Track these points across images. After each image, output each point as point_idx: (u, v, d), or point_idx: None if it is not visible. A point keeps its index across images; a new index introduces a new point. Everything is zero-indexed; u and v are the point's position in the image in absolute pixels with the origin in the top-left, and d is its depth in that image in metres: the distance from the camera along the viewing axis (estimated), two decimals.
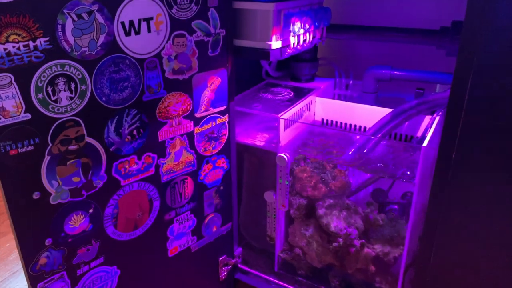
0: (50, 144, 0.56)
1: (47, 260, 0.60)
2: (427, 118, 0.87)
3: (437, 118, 0.82)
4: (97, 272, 0.67)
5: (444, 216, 0.64)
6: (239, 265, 0.96)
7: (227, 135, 0.81)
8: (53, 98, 0.54)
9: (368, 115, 0.91)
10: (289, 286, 0.92)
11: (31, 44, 0.51)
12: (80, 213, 0.62)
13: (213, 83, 0.73)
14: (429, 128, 0.80)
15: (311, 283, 0.93)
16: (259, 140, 0.91)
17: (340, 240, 0.85)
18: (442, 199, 0.63)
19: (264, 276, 0.95)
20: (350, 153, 0.83)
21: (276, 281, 0.94)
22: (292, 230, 0.92)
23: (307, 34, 0.81)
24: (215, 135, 0.78)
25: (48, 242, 0.59)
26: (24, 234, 0.57)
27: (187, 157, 0.75)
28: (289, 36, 0.76)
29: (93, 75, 0.57)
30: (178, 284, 0.81)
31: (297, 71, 1.02)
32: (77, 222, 0.62)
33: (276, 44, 0.73)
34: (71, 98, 0.56)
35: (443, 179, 0.61)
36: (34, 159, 0.55)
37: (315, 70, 1.04)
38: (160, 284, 0.78)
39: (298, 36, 0.78)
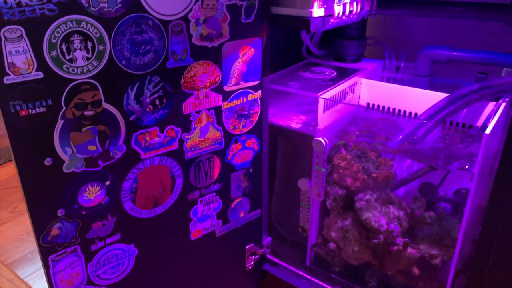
0: (64, 108, 0.52)
1: (60, 232, 0.57)
2: (490, 105, 0.75)
3: (503, 105, 0.71)
4: (113, 249, 0.63)
5: (508, 218, 0.54)
6: (268, 256, 0.90)
7: (259, 114, 0.74)
8: (67, 57, 0.50)
9: (420, 100, 0.81)
10: (321, 283, 0.84)
11: None
12: (95, 184, 0.58)
13: (246, 54, 0.67)
14: (492, 115, 0.69)
15: (345, 281, 0.85)
16: (295, 123, 0.83)
17: (381, 237, 0.76)
18: (506, 198, 0.53)
19: (294, 269, 0.88)
20: (397, 140, 0.73)
21: (307, 276, 0.86)
22: (328, 222, 0.84)
23: (354, 3, 0.73)
24: (246, 113, 0.72)
25: (60, 212, 0.56)
26: (35, 203, 0.54)
27: (214, 134, 0.69)
28: (333, 3, 0.68)
29: (112, 34, 0.53)
30: (200, 270, 0.77)
31: (342, 49, 0.93)
32: (92, 194, 0.58)
33: (318, 11, 0.65)
34: (88, 59, 0.52)
35: (509, 175, 0.52)
36: (47, 123, 0.51)
37: (362, 50, 0.94)
38: (181, 268, 0.73)
39: (344, 4, 0.69)
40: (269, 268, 0.89)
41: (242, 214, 0.79)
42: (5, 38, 0.46)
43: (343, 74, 0.86)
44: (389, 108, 0.86)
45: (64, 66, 0.50)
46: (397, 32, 1.02)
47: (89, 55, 0.52)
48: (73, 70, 0.51)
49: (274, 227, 0.97)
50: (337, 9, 0.69)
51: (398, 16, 1.00)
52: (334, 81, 0.82)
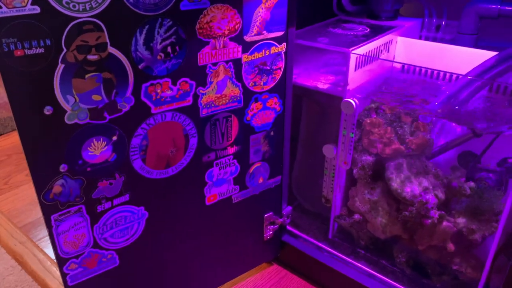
0: (65, 50, 0.46)
1: (62, 189, 0.52)
2: None
3: None
4: (121, 211, 0.59)
5: None
6: (288, 227, 0.84)
7: (282, 70, 0.67)
8: None
9: (465, 60, 0.72)
10: (344, 257, 0.78)
11: None
12: (101, 139, 0.53)
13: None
14: None
15: (370, 256, 0.79)
16: (323, 83, 0.76)
17: (413, 209, 0.69)
18: None
19: (315, 242, 0.82)
20: (438, 102, 0.65)
21: (329, 249, 0.81)
22: (354, 192, 0.78)
23: None
24: (268, 68, 0.65)
25: (63, 168, 0.51)
26: (35, 156, 0.49)
27: (232, 90, 0.63)
28: None
29: None
30: (214, 237, 0.72)
31: (376, 5, 0.84)
32: (98, 150, 0.53)
33: None
34: None
35: None
36: (45, 66, 0.46)
37: (399, 6, 0.85)
38: (195, 233, 0.69)
39: None
40: (289, 239, 0.83)
41: (261, 181, 0.73)
42: None
43: (377, 31, 0.78)
44: (427, 69, 0.77)
45: (64, 1, 0.44)
46: None
47: None
48: (74, 6, 0.45)
49: (295, 198, 0.91)
50: None
51: None
52: (367, 37, 0.74)
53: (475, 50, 0.71)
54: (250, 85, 0.64)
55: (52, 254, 0.80)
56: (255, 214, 0.76)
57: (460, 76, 0.72)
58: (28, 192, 1.07)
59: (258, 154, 0.71)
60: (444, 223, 0.67)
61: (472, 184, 0.68)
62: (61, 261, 0.56)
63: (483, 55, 0.70)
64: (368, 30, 0.79)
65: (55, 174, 0.51)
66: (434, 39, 0.85)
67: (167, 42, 0.53)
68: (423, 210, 0.68)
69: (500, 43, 0.81)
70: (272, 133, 0.71)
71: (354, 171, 0.75)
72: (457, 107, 0.65)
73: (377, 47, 0.74)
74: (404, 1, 0.85)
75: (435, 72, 0.75)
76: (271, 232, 0.79)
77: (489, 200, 0.65)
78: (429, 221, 0.68)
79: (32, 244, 0.90)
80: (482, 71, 0.67)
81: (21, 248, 0.89)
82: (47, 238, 0.92)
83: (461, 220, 0.67)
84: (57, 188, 0.52)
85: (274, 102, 0.69)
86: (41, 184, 0.51)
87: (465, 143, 0.71)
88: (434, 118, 0.70)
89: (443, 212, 0.68)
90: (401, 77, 0.78)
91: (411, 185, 0.69)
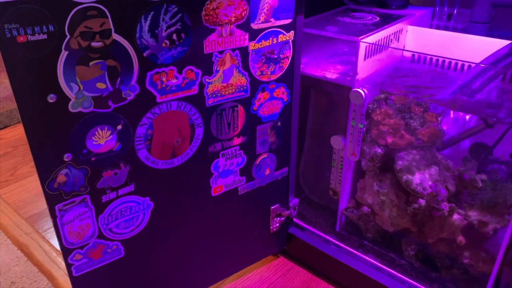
0: (68, 36, 0.45)
1: (67, 179, 0.52)
2: None
3: None
4: (126, 201, 0.58)
5: None
6: (294, 219, 0.83)
7: (290, 59, 0.66)
8: None
9: (476, 49, 0.70)
10: (351, 250, 0.77)
11: None
12: (106, 128, 0.52)
13: None
14: None
15: (378, 249, 0.77)
16: (331, 72, 0.74)
17: (422, 201, 0.67)
18: None
19: (322, 234, 0.82)
20: (450, 91, 0.64)
21: (337, 242, 0.80)
22: (362, 184, 0.77)
23: None
24: (276, 56, 0.64)
25: (67, 157, 0.51)
26: (39, 145, 0.48)
27: (239, 79, 0.61)
28: None
29: None
30: (220, 229, 0.71)
31: None
32: (102, 139, 0.52)
33: None
34: None
35: None
36: (49, 52, 0.45)
37: None
38: (200, 225, 0.68)
39: None
40: (295, 231, 0.82)
41: (267, 172, 0.72)
42: None
43: (387, 20, 0.76)
44: (438, 59, 0.75)
45: None
46: None
47: None
48: None
49: (302, 190, 0.90)
50: None
51: None
52: (377, 26, 0.72)
53: (488, 38, 0.70)
54: (257, 74, 0.63)
55: (57, 245, 0.79)
56: (262, 206, 0.75)
57: (472, 65, 0.70)
58: (34, 183, 1.07)
59: (265, 145, 0.70)
60: (455, 215, 0.66)
61: (483, 176, 0.66)
62: (66, 252, 0.55)
63: (495, 44, 0.68)
64: (378, 19, 0.77)
65: (59, 163, 0.50)
66: (446, 28, 0.83)
67: (173, 29, 0.52)
68: (433, 202, 0.66)
69: None
70: (279, 124, 0.70)
71: (363, 162, 0.74)
72: (469, 97, 0.63)
73: (387, 36, 0.73)
74: None
75: (447, 61, 0.73)
76: (277, 225, 0.78)
77: (502, 192, 0.64)
78: (439, 213, 0.66)
79: (38, 235, 0.90)
80: (495, 60, 0.65)
81: (26, 239, 0.89)
82: (53, 229, 0.92)
83: (472, 213, 0.65)
84: (61, 178, 0.51)
85: (281, 92, 0.68)
86: (45, 174, 0.50)
87: (476, 134, 0.69)
88: (445, 108, 0.68)
89: (453, 204, 0.66)
90: (412, 67, 0.76)
91: (421, 177, 0.68)
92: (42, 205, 0.99)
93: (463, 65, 0.72)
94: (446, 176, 0.68)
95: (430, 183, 0.67)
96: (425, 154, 0.70)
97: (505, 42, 0.67)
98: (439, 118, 0.68)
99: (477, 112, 0.64)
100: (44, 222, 0.94)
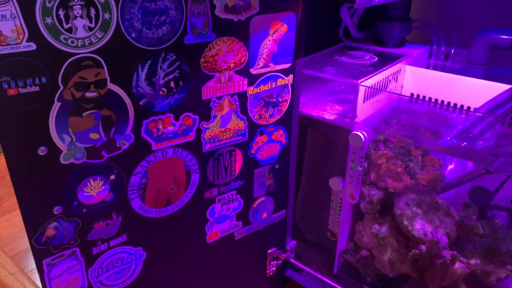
0: (62, 87, 0.44)
1: (56, 232, 0.49)
2: None
3: None
4: (117, 252, 0.55)
5: None
6: (291, 260, 0.81)
7: (288, 102, 0.65)
8: (66, 26, 0.42)
9: (475, 92, 0.70)
10: None
11: None
12: (98, 178, 0.50)
13: (277, 31, 0.57)
14: None
15: None
16: (329, 113, 0.73)
17: (423, 247, 0.66)
18: None
19: (320, 276, 0.79)
20: (450, 136, 0.63)
21: (334, 284, 0.77)
22: (361, 227, 0.75)
23: None
24: (274, 100, 0.62)
25: (57, 210, 0.48)
26: (27, 198, 0.46)
27: (237, 123, 0.60)
28: None
29: (120, 0, 0.44)
30: (216, 275, 0.68)
31: (384, 32, 0.82)
32: (94, 190, 0.50)
33: None
34: (90, 29, 0.43)
35: None
36: (40, 104, 0.43)
37: (406, 33, 0.83)
38: (195, 273, 0.65)
39: None
40: (292, 274, 0.80)
41: (264, 215, 0.70)
42: None
43: (385, 60, 0.76)
44: (436, 100, 0.75)
45: (62, 37, 0.42)
46: (446, 14, 0.90)
47: (92, 25, 0.43)
48: (72, 42, 0.42)
49: (299, 228, 0.88)
50: None
51: None
52: (376, 67, 0.71)
53: (486, 82, 0.69)
54: (255, 118, 0.62)
55: None
56: (258, 250, 0.73)
57: (472, 108, 0.70)
58: (20, 217, 1.03)
59: (263, 188, 0.68)
60: (457, 264, 0.64)
61: (485, 222, 0.65)
62: None
63: (494, 88, 0.67)
64: (376, 59, 0.76)
65: (49, 216, 0.48)
66: (443, 68, 0.83)
67: (170, 77, 0.50)
68: (435, 250, 0.65)
69: (511, 72, 0.80)
70: (277, 166, 0.68)
71: (362, 205, 0.72)
72: (469, 143, 0.63)
73: (386, 77, 0.72)
74: (411, 28, 0.84)
75: (445, 102, 0.73)
76: (274, 268, 0.76)
77: (503, 240, 0.62)
78: (441, 261, 0.65)
79: (23, 276, 0.86)
80: (495, 105, 0.65)
81: (11, 280, 0.85)
82: None
83: (474, 262, 0.64)
84: (50, 231, 0.49)
85: (279, 135, 0.66)
86: (33, 228, 0.47)
87: (477, 178, 0.68)
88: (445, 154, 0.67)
89: (455, 252, 0.65)
90: (410, 107, 0.76)
91: (422, 222, 0.66)
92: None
93: (461, 108, 0.72)
94: (447, 222, 0.67)
95: (431, 229, 0.65)
96: (425, 199, 0.68)
97: (504, 86, 0.67)
98: (440, 162, 0.67)
99: (477, 159, 0.63)
100: (31, 260, 0.90)
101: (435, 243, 0.65)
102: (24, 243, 0.95)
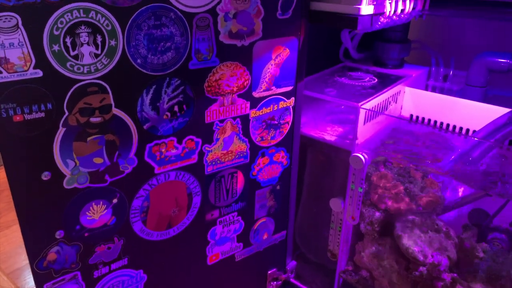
0: (67, 113, 0.44)
1: (57, 256, 0.49)
2: None
3: None
4: (118, 275, 0.55)
5: None
6: (292, 280, 0.81)
7: (290, 124, 0.65)
8: (72, 53, 0.42)
9: (474, 114, 0.71)
10: None
11: None
12: (101, 202, 0.50)
13: (280, 56, 0.58)
14: None
15: None
16: (330, 134, 0.74)
17: (424, 269, 0.66)
18: None
19: None
20: (450, 160, 0.63)
21: None
22: (360, 247, 0.75)
23: (407, 1, 0.63)
24: (276, 122, 0.63)
25: (59, 234, 0.48)
26: (30, 223, 0.46)
27: (239, 146, 0.60)
28: (385, 0, 0.58)
29: (127, 28, 0.44)
30: None
31: (383, 53, 0.83)
32: (97, 214, 0.50)
33: (366, 9, 0.56)
34: (97, 56, 0.43)
35: None
36: (45, 130, 0.43)
37: (405, 55, 0.84)
38: None
39: (396, 1, 0.60)
40: None
41: (265, 237, 0.70)
42: None
43: (385, 81, 0.77)
44: (435, 121, 0.76)
45: (68, 64, 0.42)
46: (445, 36, 0.92)
47: (98, 52, 0.43)
48: (78, 68, 0.43)
49: (298, 247, 0.88)
50: (389, 7, 0.59)
51: (446, 18, 0.89)
52: (376, 89, 0.72)
53: (485, 105, 0.70)
54: (257, 140, 0.62)
55: None
56: (258, 271, 0.72)
57: (471, 130, 0.70)
58: (18, 233, 1.02)
59: (264, 209, 0.68)
60: (458, 287, 0.64)
61: (485, 245, 0.65)
62: None
63: (492, 111, 0.68)
64: (376, 80, 0.77)
65: (51, 241, 0.48)
66: (442, 89, 0.84)
67: (174, 101, 0.51)
68: (435, 272, 0.65)
69: (510, 93, 0.81)
70: (278, 187, 0.68)
71: (362, 225, 0.72)
72: (469, 167, 0.63)
73: (386, 99, 0.73)
74: (410, 50, 0.85)
75: (445, 125, 0.73)
76: None
77: (505, 264, 0.63)
78: (441, 283, 0.65)
79: None
80: (494, 129, 0.65)
81: None
82: None
83: (475, 285, 0.64)
84: (51, 256, 0.48)
85: (281, 156, 0.66)
86: (35, 252, 0.47)
87: (477, 200, 0.69)
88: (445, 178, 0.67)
89: (455, 275, 0.65)
90: (409, 128, 0.76)
91: (422, 244, 0.67)
92: (27, 258, 0.94)
93: (461, 130, 0.73)
94: (447, 244, 0.67)
95: (431, 252, 0.66)
96: (426, 221, 0.68)
97: (503, 110, 0.68)
98: (440, 185, 0.67)
99: (476, 185, 0.64)
100: (28, 278, 0.89)
101: (436, 266, 0.65)
102: (21, 260, 0.94)
